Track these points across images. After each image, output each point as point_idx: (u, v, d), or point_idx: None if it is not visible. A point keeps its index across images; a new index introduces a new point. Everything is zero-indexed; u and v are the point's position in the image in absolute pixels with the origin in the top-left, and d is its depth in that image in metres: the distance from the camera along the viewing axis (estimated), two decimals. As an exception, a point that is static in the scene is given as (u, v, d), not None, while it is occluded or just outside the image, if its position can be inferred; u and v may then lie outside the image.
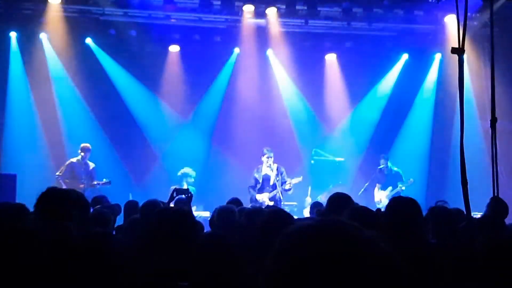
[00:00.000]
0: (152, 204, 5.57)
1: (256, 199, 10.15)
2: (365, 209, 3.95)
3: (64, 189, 4.81)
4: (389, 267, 1.10)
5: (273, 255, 1.14)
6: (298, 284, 1.08)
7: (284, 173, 10.38)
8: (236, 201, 6.51)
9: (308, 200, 10.88)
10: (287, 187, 10.23)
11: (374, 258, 1.09)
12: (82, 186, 10.22)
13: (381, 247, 1.12)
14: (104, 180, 10.60)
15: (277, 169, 10.34)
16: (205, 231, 5.76)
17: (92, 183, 10.46)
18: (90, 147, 10.78)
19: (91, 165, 10.73)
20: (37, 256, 2.46)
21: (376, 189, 11.40)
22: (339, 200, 4.38)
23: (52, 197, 3.50)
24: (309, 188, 11.26)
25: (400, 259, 1.13)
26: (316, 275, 1.07)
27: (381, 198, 11.15)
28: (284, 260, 1.12)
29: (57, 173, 10.60)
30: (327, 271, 1.06)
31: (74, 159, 10.73)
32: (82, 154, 10.67)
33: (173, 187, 10.91)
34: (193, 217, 3.58)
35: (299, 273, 1.08)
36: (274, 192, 10.23)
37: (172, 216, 3.34)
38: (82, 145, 10.79)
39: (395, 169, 11.30)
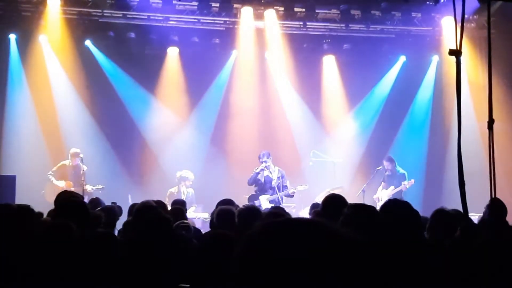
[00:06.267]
0: (144, 206, 5.57)
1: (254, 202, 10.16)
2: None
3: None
4: (357, 252, 1.10)
5: (238, 253, 1.13)
6: (263, 280, 1.07)
7: (285, 177, 10.39)
8: (228, 202, 6.44)
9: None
10: (291, 192, 10.22)
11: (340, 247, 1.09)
12: (73, 188, 10.20)
13: (347, 235, 1.12)
14: (98, 185, 10.75)
15: (278, 172, 10.36)
16: (203, 232, 5.80)
17: (85, 188, 10.49)
18: (78, 153, 10.88)
19: (83, 168, 10.75)
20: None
21: (380, 187, 11.36)
22: (334, 202, 4.41)
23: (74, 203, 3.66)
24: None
25: (368, 247, 1.12)
26: (279, 269, 1.06)
27: (381, 196, 11.11)
28: (248, 256, 1.11)
29: (50, 171, 10.91)
30: (290, 265, 1.06)
31: (66, 162, 11.00)
32: (72, 159, 10.92)
33: (170, 190, 11.00)
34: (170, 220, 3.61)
35: (262, 270, 1.08)
36: (274, 196, 10.23)
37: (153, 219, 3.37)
38: (71, 151, 10.98)
39: (401, 170, 11.26)
